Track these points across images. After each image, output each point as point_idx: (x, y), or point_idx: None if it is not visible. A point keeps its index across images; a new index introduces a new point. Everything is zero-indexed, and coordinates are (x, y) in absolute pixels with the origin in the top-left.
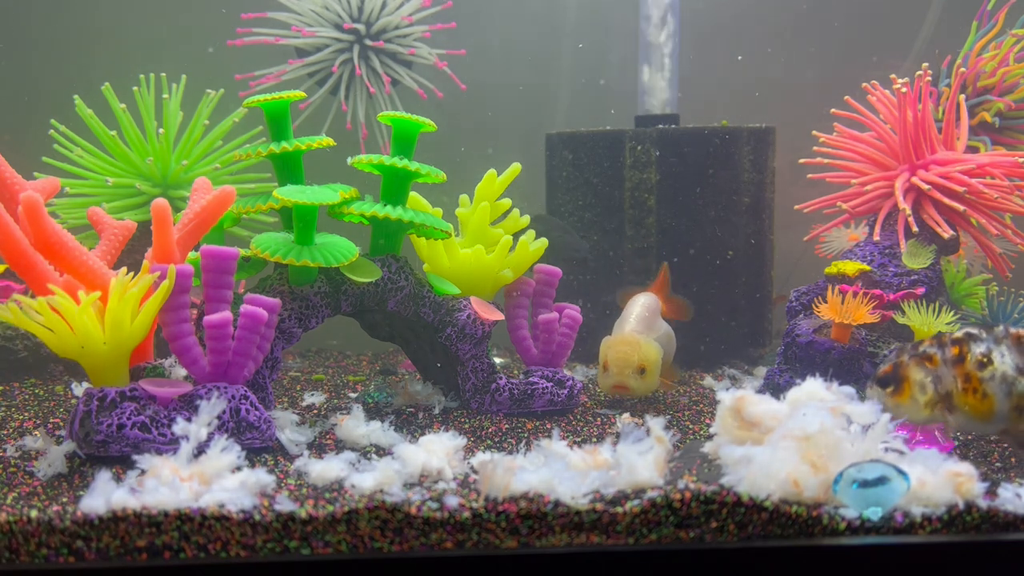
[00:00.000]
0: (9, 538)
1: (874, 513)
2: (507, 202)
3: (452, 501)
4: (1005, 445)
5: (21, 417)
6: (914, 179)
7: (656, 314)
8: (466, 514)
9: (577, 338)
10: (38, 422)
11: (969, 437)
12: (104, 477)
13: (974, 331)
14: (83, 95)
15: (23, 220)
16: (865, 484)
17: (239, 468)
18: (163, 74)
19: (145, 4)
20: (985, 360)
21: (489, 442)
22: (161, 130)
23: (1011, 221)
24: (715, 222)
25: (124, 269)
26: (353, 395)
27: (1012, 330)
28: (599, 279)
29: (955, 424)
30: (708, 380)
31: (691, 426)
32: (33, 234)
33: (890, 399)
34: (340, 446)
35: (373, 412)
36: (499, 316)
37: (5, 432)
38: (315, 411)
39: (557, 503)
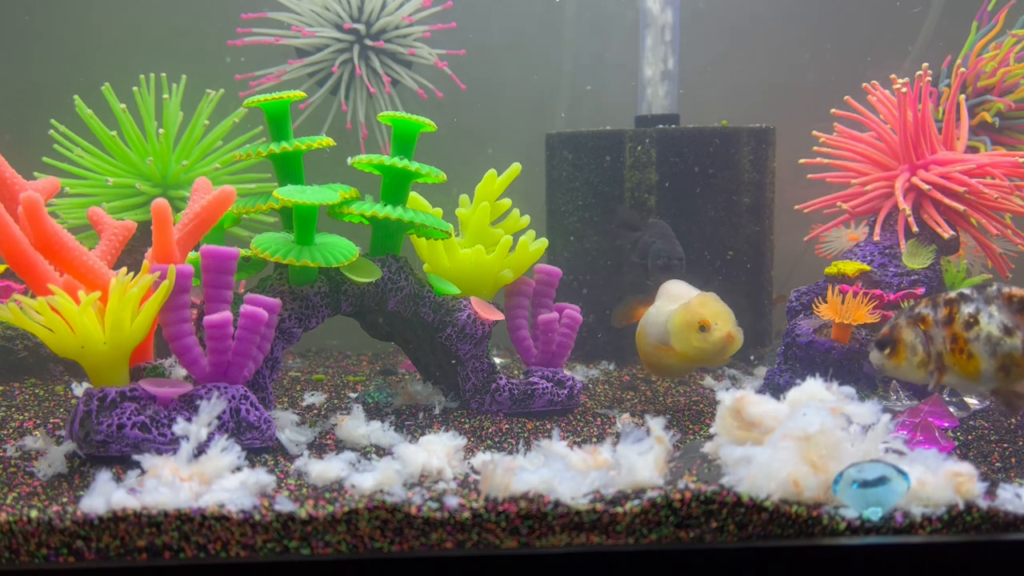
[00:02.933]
0: (9, 538)
1: (874, 513)
2: (507, 202)
3: (452, 501)
4: (1005, 445)
5: (21, 417)
6: (914, 179)
7: None
8: (466, 514)
9: (577, 338)
10: (38, 422)
11: (970, 437)
12: (104, 477)
13: (967, 292)
14: (83, 95)
15: (23, 220)
16: (865, 484)
17: (239, 468)
18: (163, 74)
19: (145, 4)
20: (972, 320)
21: (489, 442)
22: (161, 130)
23: (1011, 221)
24: (715, 222)
25: (124, 269)
26: (353, 395)
27: (1004, 289)
28: (599, 279)
29: (950, 383)
30: (708, 380)
31: (691, 426)
32: (33, 234)
33: (888, 361)
34: (340, 446)
35: (373, 412)
36: (499, 316)
37: (5, 432)
38: (315, 411)
39: (557, 503)
